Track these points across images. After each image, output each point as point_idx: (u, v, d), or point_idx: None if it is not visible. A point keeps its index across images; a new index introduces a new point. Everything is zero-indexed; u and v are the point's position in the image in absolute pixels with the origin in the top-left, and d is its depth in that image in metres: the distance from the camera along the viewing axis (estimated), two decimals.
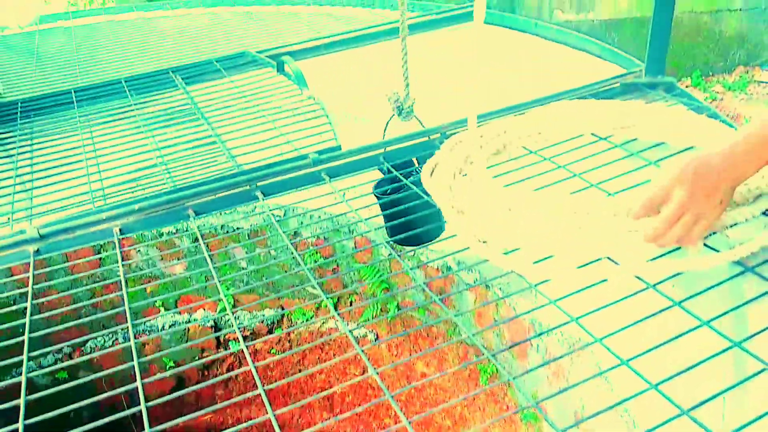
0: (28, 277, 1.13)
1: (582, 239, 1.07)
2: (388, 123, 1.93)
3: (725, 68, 3.93)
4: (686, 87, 3.89)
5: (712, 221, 0.96)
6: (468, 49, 2.54)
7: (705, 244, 1.04)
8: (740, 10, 3.73)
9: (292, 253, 1.16)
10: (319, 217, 1.95)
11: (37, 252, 1.21)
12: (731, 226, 1.04)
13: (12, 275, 1.64)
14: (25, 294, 1.10)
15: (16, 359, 0.99)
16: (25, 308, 1.06)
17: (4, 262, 1.19)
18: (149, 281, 2.31)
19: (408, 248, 1.96)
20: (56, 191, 1.52)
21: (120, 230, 1.27)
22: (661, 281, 1.00)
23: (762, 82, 3.81)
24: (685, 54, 3.90)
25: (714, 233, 1.05)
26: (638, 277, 1.01)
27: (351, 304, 2.32)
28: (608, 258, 1.05)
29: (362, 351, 0.92)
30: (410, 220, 1.32)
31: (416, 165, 1.57)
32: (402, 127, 1.65)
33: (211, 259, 1.25)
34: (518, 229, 1.11)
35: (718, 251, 1.03)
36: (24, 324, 1.02)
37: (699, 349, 0.88)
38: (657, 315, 0.94)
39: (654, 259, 1.04)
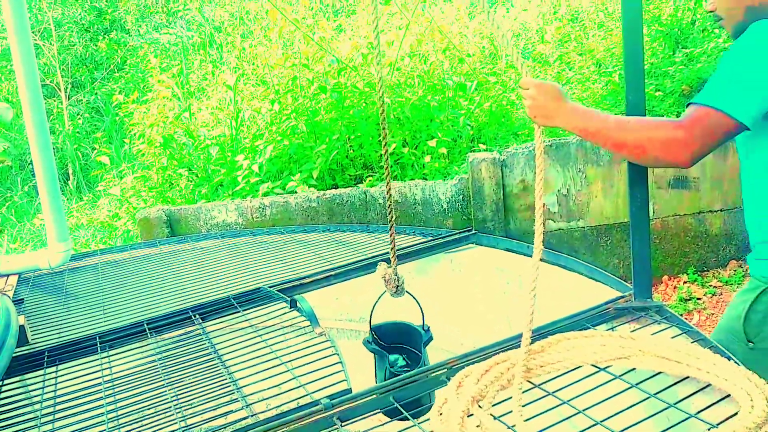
0: None
1: None
2: (376, 302, 2.03)
3: (718, 263, 4.10)
4: (684, 283, 4.02)
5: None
6: (465, 275, 2.71)
7: None
8: (721, 210, 4.00)
9: None
10: None
11: None
12: None
13: None
14: None
15: None
16: None
17: None
18: None
19: None
20: None
21: None
22: None
23: None
24: (677, 253, 4.10)
25: None
26: None
27: None
28: None
29: None
30: None
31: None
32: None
33: None
34: None
35: None
36: None
37: None
38: None
39: None
